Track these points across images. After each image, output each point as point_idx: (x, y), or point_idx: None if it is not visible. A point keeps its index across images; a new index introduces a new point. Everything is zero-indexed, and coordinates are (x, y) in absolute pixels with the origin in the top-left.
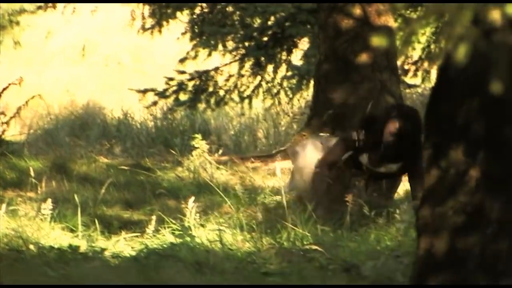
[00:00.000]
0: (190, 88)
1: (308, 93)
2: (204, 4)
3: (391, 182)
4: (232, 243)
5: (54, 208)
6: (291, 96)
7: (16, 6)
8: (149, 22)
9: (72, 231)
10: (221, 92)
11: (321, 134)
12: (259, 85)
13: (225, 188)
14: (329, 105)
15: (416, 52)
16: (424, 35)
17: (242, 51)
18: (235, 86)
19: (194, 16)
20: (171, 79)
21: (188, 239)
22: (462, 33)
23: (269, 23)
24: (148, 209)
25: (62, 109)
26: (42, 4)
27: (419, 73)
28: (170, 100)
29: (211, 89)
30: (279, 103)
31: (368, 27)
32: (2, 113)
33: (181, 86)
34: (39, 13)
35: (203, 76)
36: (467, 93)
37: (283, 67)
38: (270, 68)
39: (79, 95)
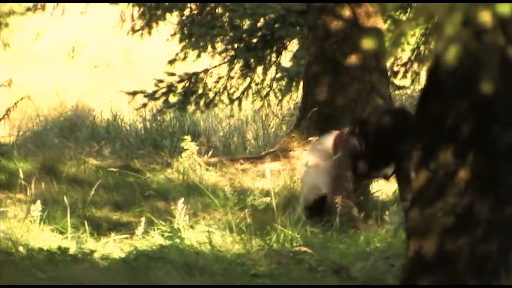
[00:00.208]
0: (179, 90)
1: (297, 95)
2: (193, 6)
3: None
4: (221, 245)
5: (43, 210)
6: (280, 97)
7: (5, 7)
8: (139, 23)
9: (61, 233)
10: (211, 94)
11: (310, 138)
12: (248, 87)
13: (214, 189)
14: (318, 106)
15: (405, 54)
16: (413, 36)
17: (232, 53)
18: (225, 87)
19: (184, 18)
20: (160, 81)
21: (177, 241)
22: (453, 35)
23: (259, 24)
24: (137, 210)
25: (51, 111)
26: (31, 5)
27: (409, 75)
28: (160, 102)
29: (200, 91)
30: (269, 104)
31: (358, 29)
32: None
33: (170, 88)
34: (28, 15)
35: (193, 78)
36: (457, 94)
37: (273, 68)
38: (259, 69)
39: (68, 96)
